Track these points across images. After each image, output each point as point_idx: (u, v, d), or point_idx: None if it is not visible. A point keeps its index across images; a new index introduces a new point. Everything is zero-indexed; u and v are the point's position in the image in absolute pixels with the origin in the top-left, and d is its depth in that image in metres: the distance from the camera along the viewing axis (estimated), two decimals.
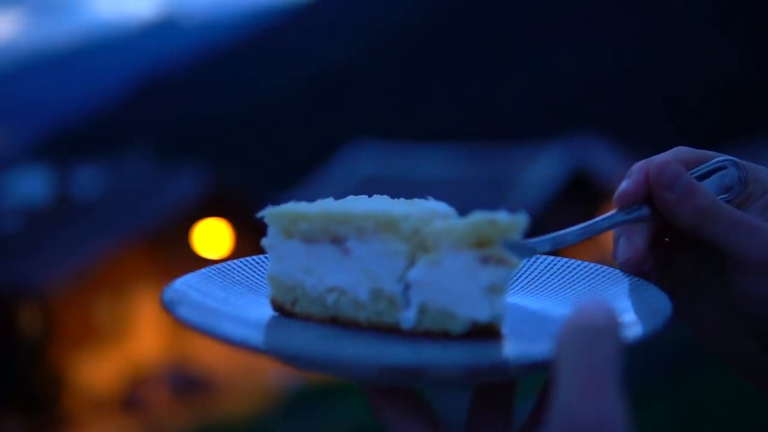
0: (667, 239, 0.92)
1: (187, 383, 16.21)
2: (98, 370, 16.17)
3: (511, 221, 0.73)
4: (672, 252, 0.92)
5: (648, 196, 0.87)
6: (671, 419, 9.22)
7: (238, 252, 17.23)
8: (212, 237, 17.65)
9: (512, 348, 0.74)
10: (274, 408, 14.69)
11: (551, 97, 65.76)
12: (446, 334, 0.76)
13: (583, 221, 0.88)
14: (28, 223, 18.37)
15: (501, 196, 22.83)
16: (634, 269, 0.86)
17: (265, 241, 0.86)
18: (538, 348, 0.68)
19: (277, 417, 14.09)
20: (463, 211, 0.81)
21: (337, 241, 0.81)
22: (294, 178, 35.66)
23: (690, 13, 71.58)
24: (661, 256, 0.91)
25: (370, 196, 0.86)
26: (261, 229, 0.87)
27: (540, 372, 0.65)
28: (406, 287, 0.78)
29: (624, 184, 0.88)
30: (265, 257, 0.91)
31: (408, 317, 0.78)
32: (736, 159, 0.90)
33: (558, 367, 0.57)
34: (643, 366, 9.99)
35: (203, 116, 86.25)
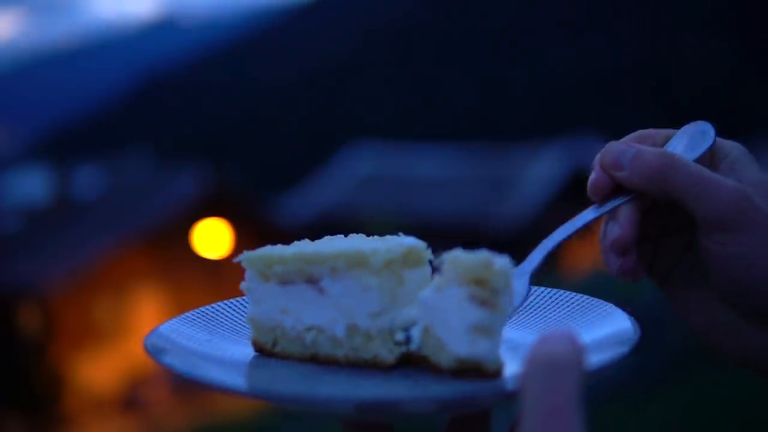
0: (652, 236, 0.93)
1: (187, 383, 16.20)
2: (98, 370, 16.18)
3: (501, 270, 0.75)
4: (656, 245, 0.93)
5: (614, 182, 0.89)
6: (668, 421, 9.23)
7: (237, 252, 17.22)
8: (212, 237, 17.65)
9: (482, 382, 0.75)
10: (273, 408, 14.69)
11: (551, 97, 65.76)
12: (437, 368, 0.77)
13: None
14: (28, 223, 18.37)
15: (501, 196, 22.82)
16: (622, 250, 0.86)
17: (243, 285, 0.89)
18: (508, 379, 0.71)
19: (277, 417, 14.09)
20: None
21: (312, 281, 0.85)
22: (294, 178, 35.64)
23: (688, 14, 71.61)
24: (647, 252, 0.92)
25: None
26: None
27: (511, 401, 0.65)
28: (416, 306, 0.80)
29: (590, 179, 0.89)
30: (246, 299, 0.93)
31: (414, 336, 0.79)
32: (698, 125, 0.91)
33: (522, 399, 0.58)
34: (640, 367, 9.99)
35: (203, 116, 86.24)
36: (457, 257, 0.76)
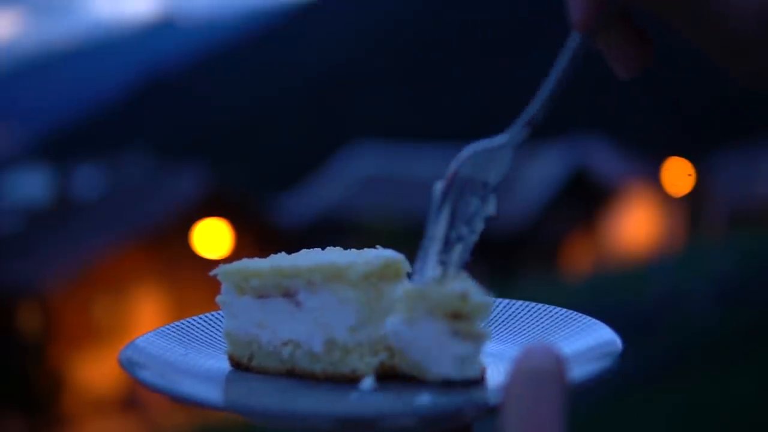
0: None
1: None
2: (98, 370, 16.18)
3: (482, 303, 0.73)
4: None
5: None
6: (668, 419, 9.23)
7: (237, 252, 17.25)
8: (212, 237, 17.64)
9: (465, 393, 0.75)
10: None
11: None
12: (419, 380, 0.77)
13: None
14: (28, 223, 18.38)
15: (501, 196, 22.78)
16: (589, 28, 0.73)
17: (219, 299, 0.88)
18: (490, 393, 0.70)
19: None
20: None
21: (289, 294, 0.84)
22: (294, 178, 35.67)
23: None
24: None
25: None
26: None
27: (493, 415, 0.65)
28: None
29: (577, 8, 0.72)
30: (222, 313, 0.93)
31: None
32: None
33: (505, 412, 0.57)
34: (639, 368, 10.00)
35: (203, 116, 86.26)
36: (424, 293, 0.74)
